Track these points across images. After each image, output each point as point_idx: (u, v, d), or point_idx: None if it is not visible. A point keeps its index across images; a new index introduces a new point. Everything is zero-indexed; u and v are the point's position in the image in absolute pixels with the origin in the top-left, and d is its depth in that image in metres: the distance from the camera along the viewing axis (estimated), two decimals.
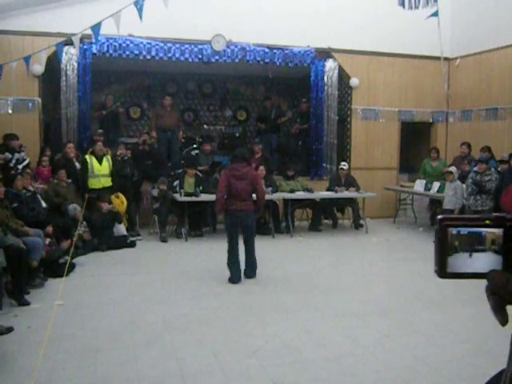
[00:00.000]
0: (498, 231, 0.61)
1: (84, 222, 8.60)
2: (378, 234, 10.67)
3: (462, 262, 0.62)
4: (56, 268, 7.10)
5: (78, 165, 9.76)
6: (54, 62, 10.16)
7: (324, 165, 12.35)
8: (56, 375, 4.24)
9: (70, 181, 9.33)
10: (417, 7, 10.39)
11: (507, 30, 10.88)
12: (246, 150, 7.79)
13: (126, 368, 4.37)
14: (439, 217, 0.64)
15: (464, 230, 0.62)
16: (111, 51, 10.54)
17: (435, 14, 10.70)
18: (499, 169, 9.68)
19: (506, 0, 10.90)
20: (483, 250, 0.62)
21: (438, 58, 12.08)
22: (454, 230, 0.62)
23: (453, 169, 10.17)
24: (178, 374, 4.32)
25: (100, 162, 9.54)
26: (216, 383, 4.20)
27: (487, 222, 0.62)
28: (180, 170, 10.68)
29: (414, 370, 4.48)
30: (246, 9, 10.99)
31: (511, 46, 10.87)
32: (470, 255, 0.62)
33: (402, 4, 10.48)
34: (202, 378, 4.28)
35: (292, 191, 10.78)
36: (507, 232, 0.60)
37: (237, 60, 11.38)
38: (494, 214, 0.63)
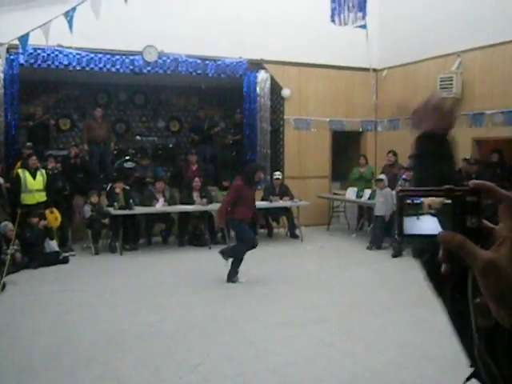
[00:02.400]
0: (435, 199, 0.73)
1: (16, 241, 8.31)
2: (312, 242, 10.85)
3: (413, 225, 0.73)
4: None
5: (1, 179, 9.41)
6: None
7: None
8: None
9: None
10: (346, 23, 10.73)
11: (431, 43, 11.36)
12: (251, 166, 8.54)
13: None
14: (399, 189, 0.75)
15: (416, 199, 0.73)
16: (39, 62, 10.27)
17: (363, 27, 11.06)
18: None
19: (430, 15, 11.38)
20: (422, 214, 0.73)
21: (366, 70, 12.48)
22: (408, 200, 0.73)
23: (383, 176, 10.49)
24: None
25: (34, 176, 9.26)
26: None
27: (438, 192, 0.73)
28: (110, 184, 10.52)
29: (355, 376, 4.59)
30: (177, 20, 10.97)
31: (435, 58, 11.36)
32: (418, 218, 0.73)
33: (333, 20, 10.81)
34: None
35: None
36: (454, 201, 0.71)
37: (169, 71, 11.34)
38: (445, 187, 0.73)
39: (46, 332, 5.65)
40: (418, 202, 0.73)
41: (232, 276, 7.72)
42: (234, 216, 7.79)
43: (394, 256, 9.41)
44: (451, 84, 10.72)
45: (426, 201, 0.73)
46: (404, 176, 10.20)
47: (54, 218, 9.32)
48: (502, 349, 0.73)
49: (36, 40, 8.73)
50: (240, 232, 7.88)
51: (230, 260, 7.79)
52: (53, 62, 10.34)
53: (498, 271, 0.67)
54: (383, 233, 10.10)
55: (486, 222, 0.72)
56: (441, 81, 10.89)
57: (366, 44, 11.33)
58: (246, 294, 7.17)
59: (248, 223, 8.07)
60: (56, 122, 13.40)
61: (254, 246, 7.82)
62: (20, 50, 9.48)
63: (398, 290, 7.25)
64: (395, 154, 11.58)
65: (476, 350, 0.75)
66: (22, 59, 10.13)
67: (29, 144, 10.53)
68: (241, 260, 7.74)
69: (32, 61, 10.21)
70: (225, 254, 7.89)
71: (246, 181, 7.83)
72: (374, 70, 12.81)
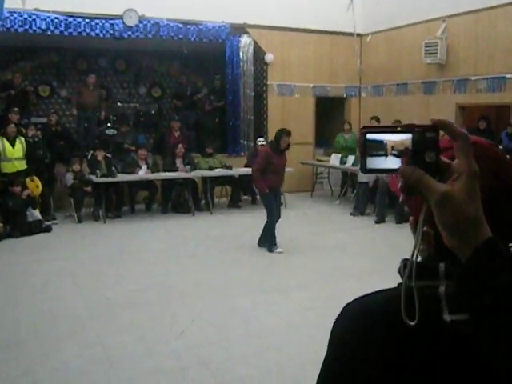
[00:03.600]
0: (398, 139, 0.76)
1: None
2: (296, 209, 10.87)
3: (376, 162, 0.77)
4: None
5: None
6: None
7: (241, 141, 12.38)
8: None
9: None
10: None
11: (416, 8, 11.25)
12: (277, 131, 7.80)
13: (50, 359, 4.26)
14: (362, 126, 0.79)
15: (376, 137, 0.77)
16: (16, 26, 9.99)
17: None
18: None
19: None
20: (385, 155, 0.76)
21: (350, 35, 12.36)
22: (369, 136, 0.77)
23: None
24: (104, 360, 4.26)
25: (13, 144, 9.11)
26: (144, 367, 4.18)
27: (399, 129, 0.76)
28: (91, 152, 10.38)
29: None
30: None
31: (420, 23, 11.27)
32: (385, 158, 0.76)
33: None
34: (130, 363, 4.24)
35: (211, 168, 10.77)
36: (414, 137, 0.75)
37: (150, 36, 11.12)
38: (406, 123, 0.77)
39: (29, 302, 5.63)
40: (382, 142, 0.76)
41: (270, 246, 7.64)
42: None
43: (377, 222, 9.47)
44: (436, 49, 10.67)
45: (390, 142, 0.76)
46: None
47: (34, 186, 9.20)
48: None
49: (12, 3, 8.49)
50: (265, 202, 7.73)
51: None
52: (30, 27, 10.07)
53: (452, 203, 0.72)
54: (367, 199, 10.14)
55: (443, 158, 0.76)
56: (425, 46, 10.82)
57: (349, 6, 11.19)
58: (229, 261, 7.20)
59: (275, 192, 7.76)
60: (35, 89, 13.14)
61: (277, 219, 7.70)
62: None
63: (380, 255, 7.30)
64: (378, 120, 11.56)
65: (406, 278, 0.82)
66: None
67: (16, 109, 10.19)
68: (272, 232, 7.66)
69: (8, 25, 9.92)
70: (261, 243, 7.80)
71: (274, 147, 7.62)
72: (358, 34, 12.68)
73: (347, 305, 0.98)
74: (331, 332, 0.98)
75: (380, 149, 0.76)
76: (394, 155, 0.76)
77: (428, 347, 0.84)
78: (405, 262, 0.89)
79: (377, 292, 0.96)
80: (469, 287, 0.72)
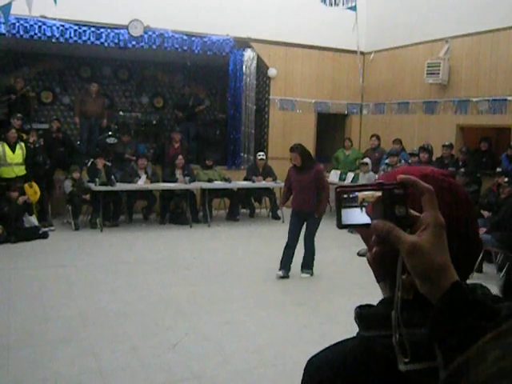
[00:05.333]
0: (368, 193, 0.82)
1: None
2: None
3: (351, 215, 0.83)
4: None
5: None
6: None
7: (242, 154, 12.39)
8: None
9: None
10: (337, 4, 10.66)
11: (419, 28, 11.31)
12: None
13: (40, 367, 4.22)
14: (336, 186, 0.85)
15: (351, 194, 0.83)
16: (22, 32, 10.02)
17: (353, 8, 10.99)
18: (410, 161, 10.09)
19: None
20: (357, 207, 0.82)
21: (353, 52, 12.40)
22: (344, 195, 0.83)
23: (367, 160, 10.49)
24: (96, 370, 4.22)
25: (13, 149, 9.10)
26: (136, 379, 4.14)
27: (370, 187, 0.83)
28: (91, 160, 10.37)
29: None
30: None
31: (423, 43, 11.32)
32: (361, 209, 0.82)
33: (324, 1, 10.72)
34: (121, 374, 4.20)
35: (210, 181, 10.76)
36: (384, 194, 0.81)
37: (154, 46, 11.15)
38: (376, 181, 0.84)
39: (23, 308, 5.58)
40: (355, 196, 0.82)
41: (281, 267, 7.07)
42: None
43: None
44: (438, 70, 10.71)
45: (361, 196, 0.82)
46: (387, 161, 10.22)
47: (33, 192, 9.19)
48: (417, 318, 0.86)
49: (19, 10, 8.53)
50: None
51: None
52: (36, 33, 10.10)
53: (420, 252, 0.77)
54: None
55: (412, 211, 0.81)
56: (428, 66, 10.87)
57: (354, 26, 11.24)
58: (225, 274, 7.16)
59: (299, 214, 6.98)
60: (37, 95, 13.17)
61: (287, 246, 6.98)
62: (1, 20, 9.25)
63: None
64: (378, 138, 11.61)
65: (396, 318, 0.85)
66: (3, 29, 9.88)
67: (19, 115, 10.17)
68: (283, 253, 7.04)
69: (14, 31, 9.96)
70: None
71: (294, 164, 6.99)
72: (362, 52, 12.74)
73: (310, 360, 1.03)
74: None
75: (354, 201, 0.83)
76: (365, 207, 0.82)
77: None
78: (358, 309, 0.96)
79: (336, 344, 1.03)
80: (438, 330, 0.76)
